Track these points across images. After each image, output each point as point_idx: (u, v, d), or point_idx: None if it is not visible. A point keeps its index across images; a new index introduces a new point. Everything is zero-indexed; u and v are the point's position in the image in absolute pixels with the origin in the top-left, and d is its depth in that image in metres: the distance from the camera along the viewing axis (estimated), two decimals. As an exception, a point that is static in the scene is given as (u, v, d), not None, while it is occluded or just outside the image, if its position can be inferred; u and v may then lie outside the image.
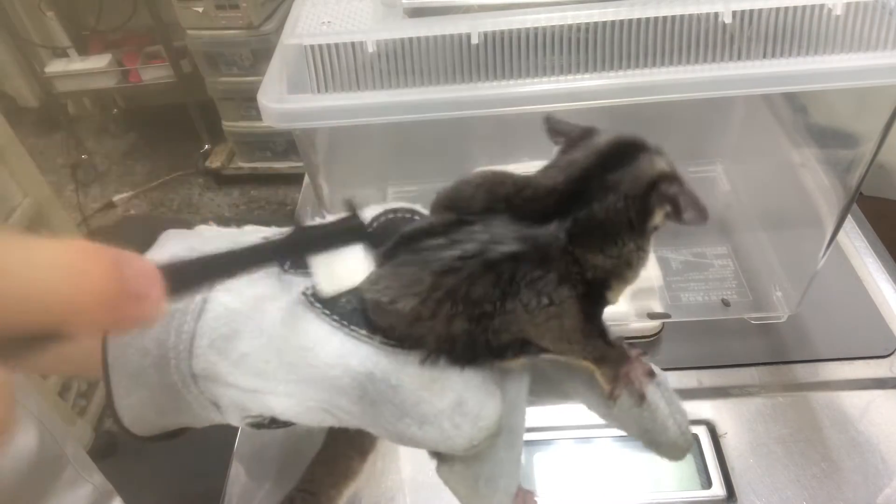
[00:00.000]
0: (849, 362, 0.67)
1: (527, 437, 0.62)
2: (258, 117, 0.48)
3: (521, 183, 0.29)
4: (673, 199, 0.28)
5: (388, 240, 0.29)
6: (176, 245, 0.31)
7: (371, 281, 0.28)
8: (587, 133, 0.30)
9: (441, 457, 0.31)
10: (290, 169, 2.34)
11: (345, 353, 0.27)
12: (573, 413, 0.63)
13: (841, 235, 0.77)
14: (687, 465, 0.60)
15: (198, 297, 0.29)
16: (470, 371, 0.28)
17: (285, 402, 0.28)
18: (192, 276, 0.25)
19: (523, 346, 0.28)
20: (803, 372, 0.67)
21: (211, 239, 0.31)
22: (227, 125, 2.30)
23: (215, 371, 0.28)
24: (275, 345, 0.28)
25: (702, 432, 0.62)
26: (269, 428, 0.30)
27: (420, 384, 0.27)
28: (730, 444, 0.61)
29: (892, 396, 0.64)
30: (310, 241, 0.30)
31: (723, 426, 0.63)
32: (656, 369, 0.31)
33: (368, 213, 0.31)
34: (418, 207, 0.32)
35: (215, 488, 0.62)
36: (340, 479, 0.36)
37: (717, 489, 0.58)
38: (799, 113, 0.67)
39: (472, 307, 0.27)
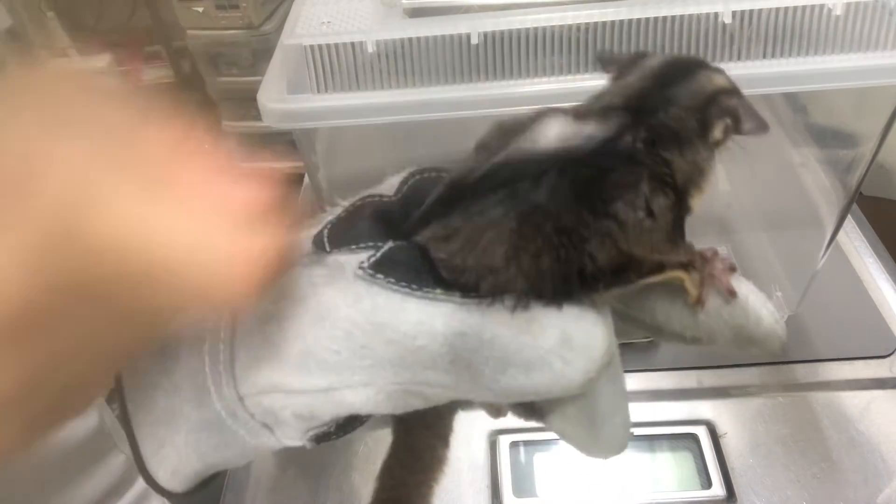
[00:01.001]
0: (849, 362, 0.67)
1: (527, 437, 0.62)
2: (258, 117, 0.48)
3: (577, 109, 0.28)
4: (733, 111, 0.28)
5: (422, 198, 0.27)
6: None
7: (440, 238, 0.26)
8: (639, 57, 0.30)
9: (548, 408, 0.29)
10: (290, 169, 2.34)
11: (425, 318, 0.25)
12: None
13: (841, 235, 0.77)
14: (687, 465, 0.60)
15: (225, 314, 0.26)
16: (566, 305, 0.26)
17: (363, 393, 0.25)
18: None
19: (617, 274, 0.27)
20: (803, 372, 0.67)
21: None
22: (227, 125, 2.30)
23: (272, 383, 0.25)
24: (342, 330, 0.25)
25: (702, 432, 0.62)
26: (334, 437, 0.28)
27: (518, 329, 0.25)
28: (730, 444, 0.61)
29: (892, 396, 0.64)
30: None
31: (723, 426, 0.63)
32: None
33: (393, 181, 0.30)
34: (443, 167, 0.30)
35: (214, 491, 0.62)
36: (428, 475, 0.33)
37: (717, 489, 0.58)
38: (799, 113, 0.67)
39: (562, 236, 0.25)
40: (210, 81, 2.19)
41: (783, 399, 0.65)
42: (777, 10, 0.46)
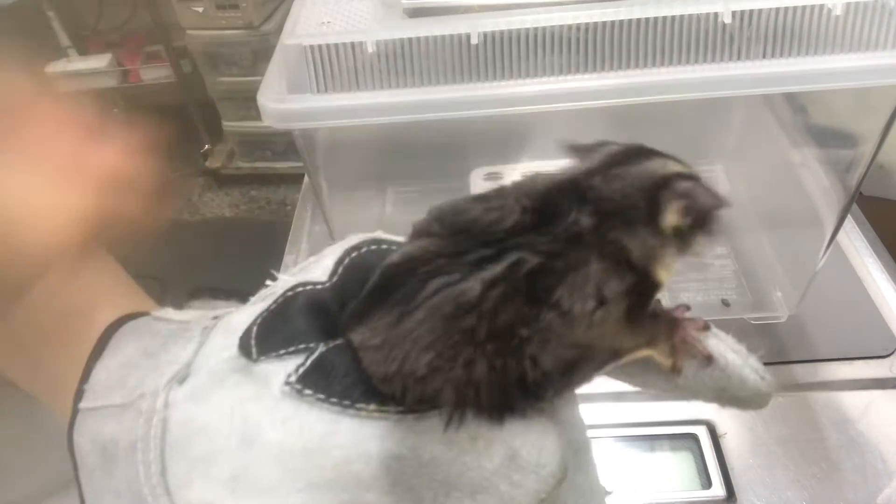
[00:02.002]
0: (849, 362, 0.67)
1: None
2: (258, 117, 0.48)
3: (519, 186, 0.25)
4: (687, 193, 0.25)
5: (362, 284, 0.25)
6: (129, 347, 0.27)
7: (368, 342, 0.24)
8: (601, 144, 0.28)
9: None
10: (290, 169, 2.34)
11: (358, 440, 0.23)
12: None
13: (841, 235, 0.77)
14: (687, 465, 0.60)
15: (154, 417, 0.24)
16: (508, 418, 0.23)
17: None
18: None
19: (567, 374, 0.24)
20: (803, 372, 0.67)
21: (163, 335, 0.27)
22: (227, 125, 2.30)
23: (206, 501, 0.24)
24: (271, 455, 0.23)
25: (702, 432, 0.62)
26: None
27: (459, 449, 0.23)
28: (730, 444, 0.61)
29: (892, 396, 0.64)
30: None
31: (723, 426, 0.63)
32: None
33: (327, 262, 0.27)
34: (383, 234, 0.28)
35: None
36: None
37: (717, 489, 0.58)
38: (799, 113, 0.67)
39: (497, 340, 0.22)
40: (210, 81, 2.19)
41: (783, 399, 0.65)
42: (777, 10, 0.46)
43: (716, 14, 0.46)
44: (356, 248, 0.27)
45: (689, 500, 0.58)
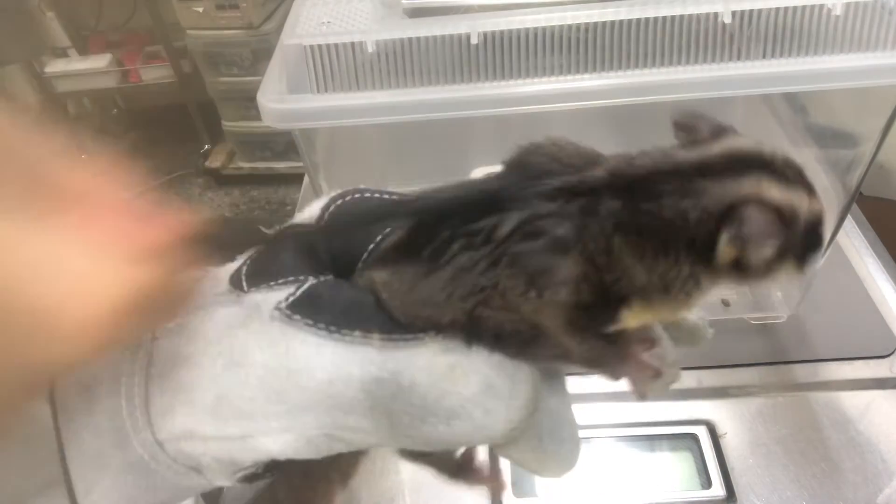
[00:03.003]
0: (849, 362, 0.67)
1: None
2: (258, 117, 0.48)
3: (592, 156, 0.25)
4: (742, 220, 0.22)
5: (347, 227, 0.26)
6: None
7: (390, 284, 0.25)
8: (720, 131, 0.25)
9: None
10: (290, 169, 2.34)
11: (342, 362, 0.24)
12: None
13: (841, 235, 0.77)
14: (687, 465, 0.60)
15: (140, 351, 0.25)
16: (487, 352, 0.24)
17: (282, 438, 0.24)
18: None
19: (522, 345, 0.25)
20: (803, 372, 0.67)
21: None
22: (227, 125, 2.30)
23: (187, 430, 0.24)
24: (256, 377, 0.24)
25: (702, 432, 0.62)
26: (264, 478, 0.27)
27: (438, 375, 0.24)
28: (730, 444, 0.61)
29: (892, 396, 0.64)
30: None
31: (723, 426, 0.63)
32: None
33: (314, 208, 0.28)
34: (365, 186, 0.29)
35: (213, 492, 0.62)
36: None
37: (717, 489, 0.58)
38: (799, 113, 0.67)
39: (484, 294, 0.24)
40: (210, 81, 2.18)
41: (783, 399, 0.65)
42: (777, 10, 0.46)
43: (716, 14, 0.46)
44: (341, 195, 0.28)
45: (689, 500, 0.58)
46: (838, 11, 0.46)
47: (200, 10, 2.01)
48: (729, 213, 0.22)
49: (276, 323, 0.24)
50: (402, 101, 0.47)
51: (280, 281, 0.25)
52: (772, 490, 0.58)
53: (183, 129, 2.45)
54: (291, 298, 0.25)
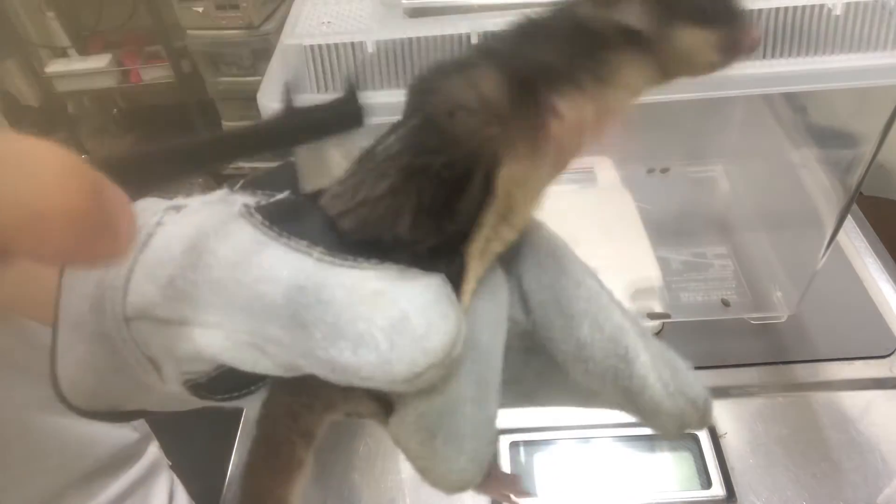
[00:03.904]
0: (849, 362, 0.67)
1: (527, 437, 0.62)
2: (258, 117, 0.48)
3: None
4: None
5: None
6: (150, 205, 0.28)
7: (332, 194, 0.26)
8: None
9: (395, 410, 0.26)
10: (290, 169, 2.34)
11: (275, 263, 0.24)
12: (573, 413, 0.63)
13: (841, 235, 0.77)
14: (687, 465, 0.60)
15: (143, 231, 0.25)
16: (424, 285, 0.24)
17: (213, 335, 0.24)
18: (147, 172, 0.23)
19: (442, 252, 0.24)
20: (803, 372, 0.67)
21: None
22: (228, 125, 2.30)
23: (142, 308, 0.24)
24: (203, 261, 0.24)
25: (702, 432, 0.62)
26: (210, 397, 0.26)
27: (358, 297, 0.23)
28: (730, 444, 0.61)
29: (892, 396, 0.64)
30: (298, 129, 0.27)
31: (723, 426, 0.63)
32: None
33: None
34: None
35: (215, 487, 0.62)
36: (286, 475, 0.29)
37: (717, 489, 0.58)
38: (799, 113, 0.67)
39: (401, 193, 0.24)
40: (210, 81, 2.18)
41: (783, 399, 0.65)
42: (777, 10, 0.46)
43: (716, 14, 0.46)
44: None
45: (689, 500, 0.58)
46: (838, 11, 0.46)
47: (200, 10, 2.01)
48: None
49: (240, 219, 0.25)
50: (402, 101, 0.47)
51: (265, 192, 0.27)
52: (772, 490, 0.58)
53: (183, 129, 2.45)
54: (261, 202, 0.26)
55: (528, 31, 0.24)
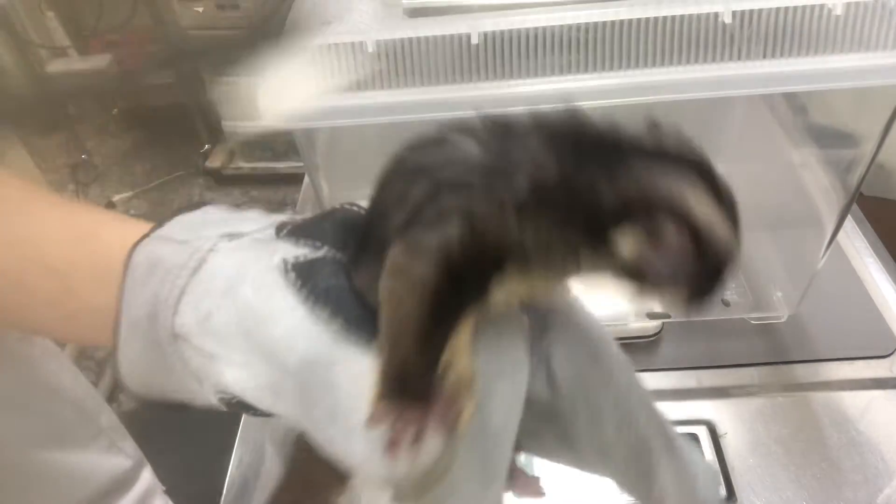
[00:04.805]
0: (849, 362, 0.67)
1: (527, 437, 0.62)
2: (258, 117, 0.48)
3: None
4: (656, 225, 0.20)
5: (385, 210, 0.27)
6: (202, 213, 0.30)
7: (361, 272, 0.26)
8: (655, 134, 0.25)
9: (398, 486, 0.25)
10: (290, 169, 2.34)
11: (298, 332, 0.25)
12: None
13: (841, 235, 0.77)
14: (687, 465, 0.60)
15: (202, 251, 0.27)
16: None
17: (238, 373, 0.26)
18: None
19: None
20: (803, 372, 0.67)
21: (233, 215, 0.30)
22: (227, 125, 2.29)
23: (185, 332, 0.26)
24: (237, 307, 0.26)
25: (702, 432, 0.62)
26: (242, 410, 0.28)
27: (359, 390, 0.23)
28: (730, 444, 0.61)
29: (892, 396, 0.64)
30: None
31: (723, 426, 0.63)
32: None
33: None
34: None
35: (215, 487, 0.62)
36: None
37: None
38: (799, 113, 0.67)
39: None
40: (210, 81, 2.18)
41: (783, 399, 0.65)
42: (777, 10, 0.46)
43: (716, 14, 0.46)
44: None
45: (689, 500, 0.58)
46: (838, 11, 0.46)
47: (200, 10, 2.01)
48: (645, 210, 0.21)
49: (275, 272, 0.26)
50: (402, 101, 0.47)
51: (307, 240, 0.27)
52: (772, 490, 0.58)
53: (183, 129, 2.45)
54: (300, 259, 0.26)
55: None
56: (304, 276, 0.26)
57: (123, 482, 0.52)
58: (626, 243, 0.21)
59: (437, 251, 0.22)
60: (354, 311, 0.25)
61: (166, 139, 2.63)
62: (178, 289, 0.26)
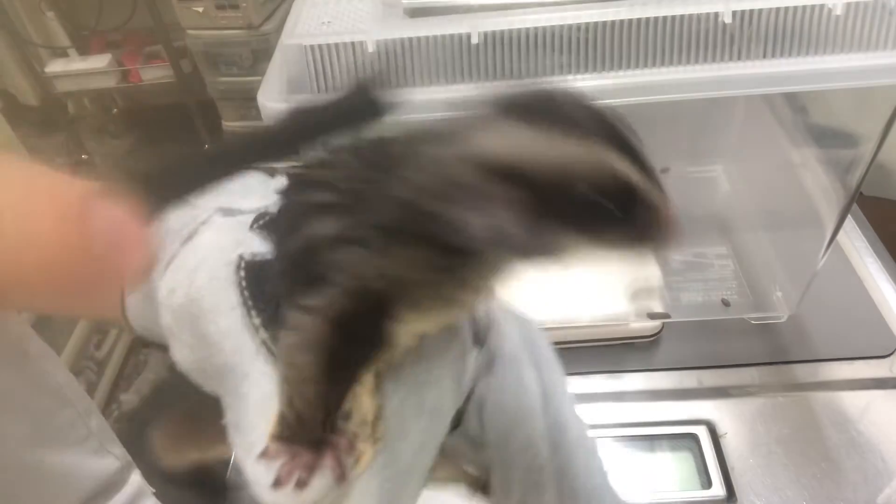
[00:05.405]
0: (849, 362, 0.67)
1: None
2: (258, 117, 0.48)
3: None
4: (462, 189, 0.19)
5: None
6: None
7: None
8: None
9: None
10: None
11: (229, 334, 0.25)
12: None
13: (841, 235, 0.77)
14: (687, 465, 0.60)
15: (198, 221, 0.28)
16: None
17: (184, 352, 0.27)
18: (178, 184, 0.25)
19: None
20: (803, 372, 0.67)
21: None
22: (227, 125, 2.29)
23: (163, 299, 0.27)
24: (191, 292, 0.26)
25: (702, 432, 0.62)
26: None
27: (262, 410, 0.24)
28: (730, 444, 0.61)
29: (892, 396, 0.64)
30: (314, 128, 0.28)
31: (723, 426, 0.63)
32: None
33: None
34: None
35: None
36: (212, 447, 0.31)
37: (717, 489, 0.58)
38: (799, 113, 0.67)
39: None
40: (210, 81, 2.18)
41: (783, 399, 0.65)
42: (777, 10, 0.46)
43: (716, 14, 0.46)
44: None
45: (689, 500, 0.58)
46: (838, 11, 0.46)
47: (200, 10, 2.01)
48: (466, 187, 0.19)
49: (231, 266, 0.26)
50: (401, 101, 0.47)
51: (273, 238, 0.27)
52: (772, 490, 0.58)
53: (183, 129, 2.45)
54: (256, 258, 0.27)
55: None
56: (252, 278, 0.26)
57: (112, 484, 0.52)
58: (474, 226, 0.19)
59: (322, 314, 0.22)
60: (275, 301, 0.25)
61: (166, 139, 2.63)
62: (169, 255, 0.27)
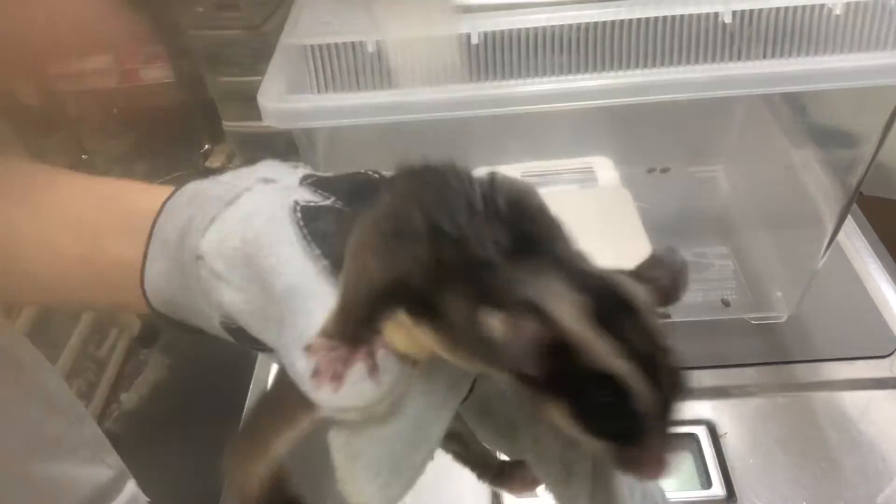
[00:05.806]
0: (849, 362, 0.67)
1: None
2: (258, 117, 0.48)
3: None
4: (512, 321, 0.21)
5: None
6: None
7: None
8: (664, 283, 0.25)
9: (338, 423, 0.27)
10: (290, 169, 2.34)
11: (290, 262, 0.27)
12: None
13: (841, 235, 0.77)
14: (687, 465, 0.60)
15: (240, 187, 0.30)
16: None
17: (235, 295, 0.28)
18: None
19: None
20: (803, 372, 0.67)
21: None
22: (227, 125, 2.29)
23: (206, 251, 0.29)
24: (246, 234, 0.28)
25: (702, 432, 0.62)
26: (238, 340, 0.30)
27: (323, 311, 0.26)
28: (730, 444, 0.61)
29: (892, 396, 0.64)
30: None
31: (723, 426, 0.63)
32: None
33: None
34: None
35: (202, 501, 0.61)
36: (284, 426, 0.31)
37: (717, 489, 0.58)
38: (799, 113, 0.67)
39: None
40: (210, 81, 2.18)
41: (783, 399, 0.65)
42: (777, 10, 0.46)
43: (716, 14, 0.46)
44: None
45: (689, 500, 0.58)
46: (838, 11, 0.46)
47: (200, 10, 2.01)
48: (513, 302, 0.21)
49: (286, 209, 0.28)
50: (401, 101, 0.47)
51: (322, 192, 0.30)
52: (772, 490, 0.58)
53: (183, 129, 2.45)
54: (310, 204, 0.29)
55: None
56: (308, 218, 0.28)
57: (106, 493, 0.51)
58: (490, 324, 0.21)
59: (413, 236, 0.23)
60: (342, 257, 0.27)
61: (166, 139, 2.63)
62: (210, 216, 0.29)
